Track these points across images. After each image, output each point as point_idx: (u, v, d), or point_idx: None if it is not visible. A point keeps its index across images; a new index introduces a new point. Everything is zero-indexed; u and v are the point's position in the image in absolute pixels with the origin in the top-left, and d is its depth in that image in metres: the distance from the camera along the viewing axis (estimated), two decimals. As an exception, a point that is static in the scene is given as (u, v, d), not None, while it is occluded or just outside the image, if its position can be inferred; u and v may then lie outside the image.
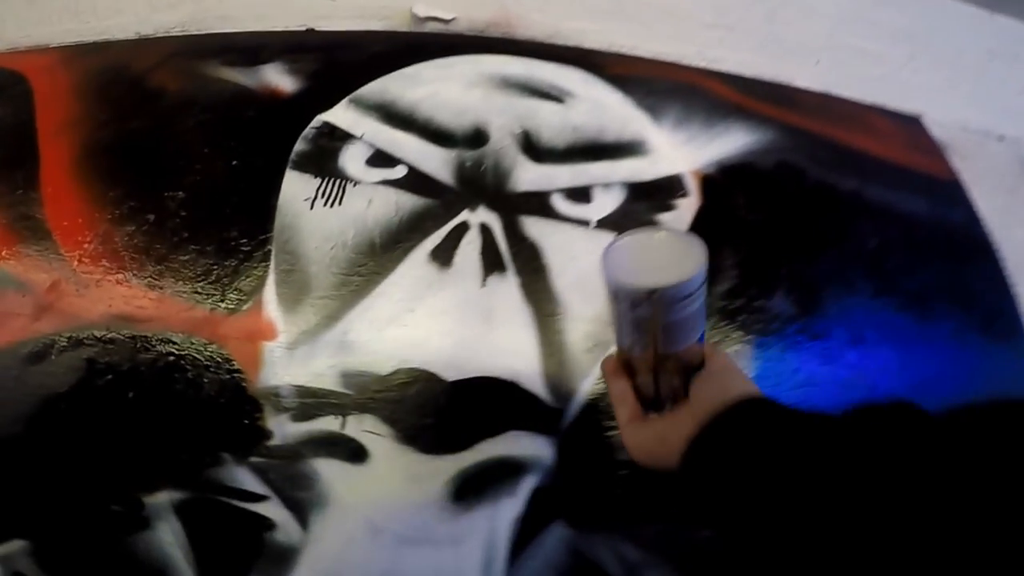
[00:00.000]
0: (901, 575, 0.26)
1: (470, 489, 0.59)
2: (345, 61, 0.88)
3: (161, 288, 0.66)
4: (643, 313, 0.38)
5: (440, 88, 0.85)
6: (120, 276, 0.68)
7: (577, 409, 0.64)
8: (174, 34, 0.94)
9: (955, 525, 0.25)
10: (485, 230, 0.71)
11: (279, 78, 0.85)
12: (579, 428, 0.64)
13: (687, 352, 0.42)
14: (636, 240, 0.41)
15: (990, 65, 1.18)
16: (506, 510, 0.59)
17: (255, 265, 0.67)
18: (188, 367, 0.62)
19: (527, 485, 0.60)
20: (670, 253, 0.39)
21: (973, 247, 0.92)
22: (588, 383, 0.65)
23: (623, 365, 0.46)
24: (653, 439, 0.41)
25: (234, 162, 0.75)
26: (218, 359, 0.62)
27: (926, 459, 0.28)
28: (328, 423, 0.60)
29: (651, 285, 0.36)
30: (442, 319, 0.65)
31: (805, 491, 0.30)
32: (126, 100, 0.83)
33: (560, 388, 0.64)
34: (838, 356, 0.75)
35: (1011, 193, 1.01)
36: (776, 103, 0.99)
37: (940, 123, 1.08)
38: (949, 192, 0.99)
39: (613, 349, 0.49)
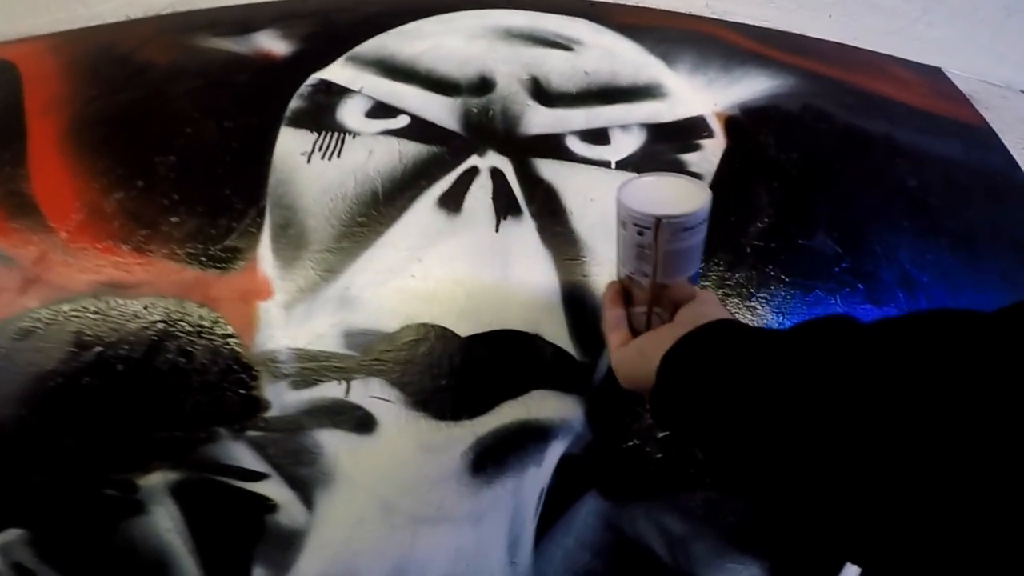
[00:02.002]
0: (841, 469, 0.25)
1: (491, 459, 0.49)
2: (340, 23, 0.79)
3: (151, 252, 0.57)
4: (647, 240, 0.40)
5: (441, 41, 0.75)
6: (108, 243, 0.59)
7: (606, 363, 0.53)
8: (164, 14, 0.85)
9: (892, 425, 0.24)
10: (497, 174, 0.60)
11: (272, 43, 0.76)
12: (612, 385, 0.52)
13: (681, 287, 0.43)
14: (650, 179, 0.43)
15: (1008, 20, 1.07)
16: (532, 481, 0.49)
17: (249, 222, 0.57)
18: (179, 334, 0.52)
19: (555, 452, 0.50)
20: (678, 192, 0.42)
21: (1014, 189, 0.80)
22: (618, 333, 0.54)
23: (621, 295, 0.46)
24: (635, 356, 0.40)
25: (226, 124, 0.65)
26: (210, 323, 0.53)
27: (855, 359, 0.27)
28: (330, 389, 0.50)
29: (659, 213, 0.39)
30: (453, 268, 0.54)
31: (759, 395, 0.30)
32: (115, 76, 0.75)
33: (588, 340, 0.53)
34: (888, 297, 0.64)
35: None
36: (793, 52, 0.88)
37: (960, 76, 0.97)
38: (983, 137, 0.87)
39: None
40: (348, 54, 0.73)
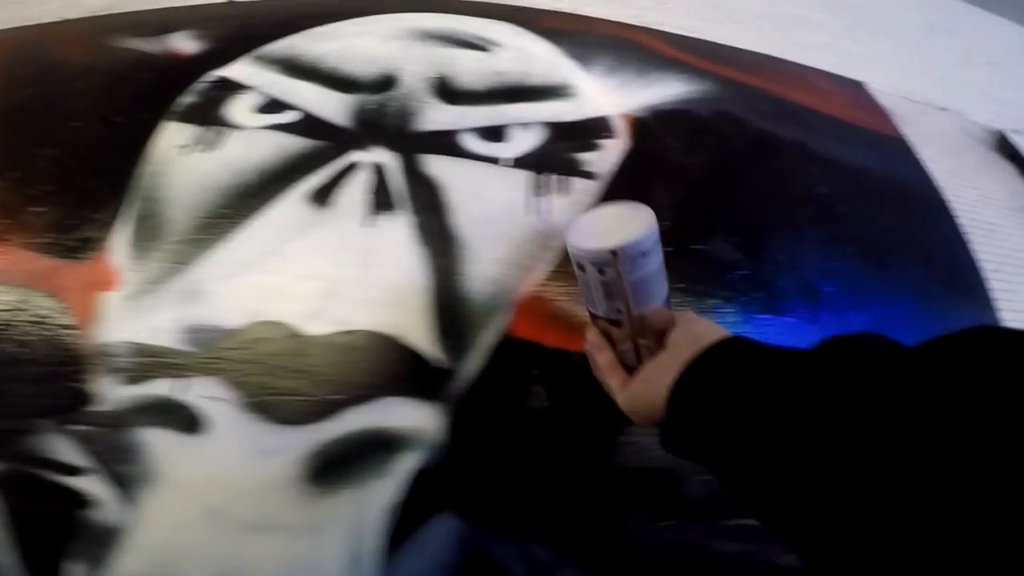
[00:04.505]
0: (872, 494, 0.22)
1: (331, 468, 0.42)
2: (259, 24, 0.73)
3: (8, 242, 0.50)
4: (610, 275, 0.38)
5: (353, 41, 0.69)
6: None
7: (474, 370, 0.46)
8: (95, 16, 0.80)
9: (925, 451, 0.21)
10: (378, 169, 0.53)
11: (185, 43, 0.70)
12: (477, 394, 0.46)
13: (659, 314, 0.39)
14: (590, 215, 0.42)
15: (930, 38, 1.01)
16: (377, 495, 0.42)
17: (107, 214, 0.50)
18: (18, 323, 0.46)
19: (406, 465, 0.42)
20: (621, 219, 0.39)
21: (926, 201, 0.74)
22: (489, 336, 0.47)
23: (602, 337, 0.41)
24: (641, 390, 0.37)
25: (117, 119, 0.59)
26: (52, 313, 0.46)
27: (887, 382, 0.24)
28: (162, 386, 0.43)
29: (612, 245, 0.37)
30: (311, 263, 0.48)
31: (789, 421, 0.26)
32: (24, 73, 0.70)
33: (452, 342, 0.46)
34: (788, 306, 0.56)
35: (957, 156, 0.84)
36: (714, 60, 0.82)
37: (882, 92, 0.91)
38: (897, 148, 0.81)
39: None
40: (255, 53, 0.67)
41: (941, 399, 0.22)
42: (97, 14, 0.82)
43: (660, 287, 0.40)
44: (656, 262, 0.39)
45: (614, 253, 0.36)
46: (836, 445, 0.23)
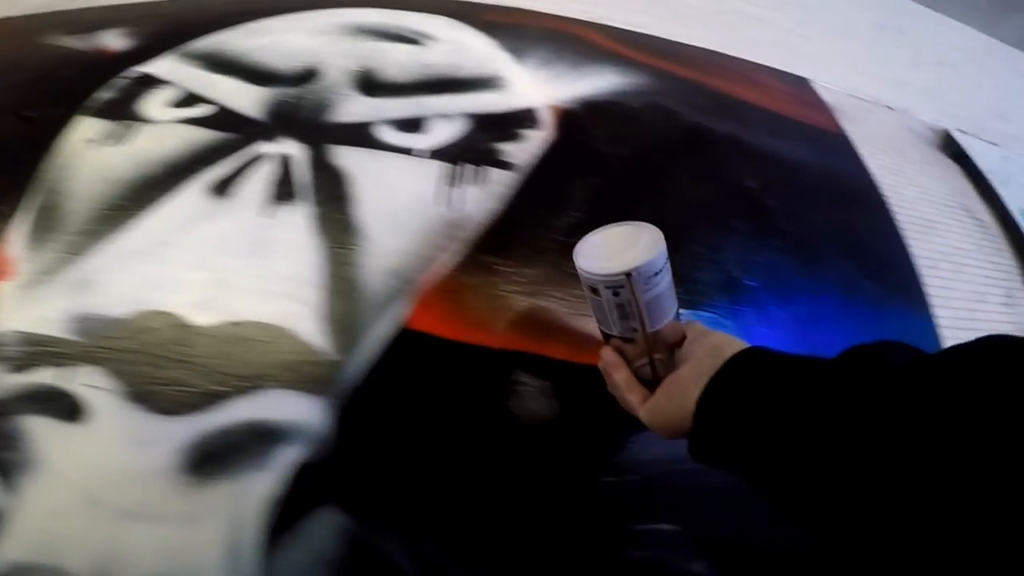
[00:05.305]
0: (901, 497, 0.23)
1: (210, 458, 0.41)
2: (192, 22, 0.73)
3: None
4: (625, 296, 0.38)
5: (282, 37, 0.69)
6: None
7: (365, 362, 0.45)
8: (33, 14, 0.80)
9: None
10: (284, 161, 0.53)
11: (114, 40, 0.70)
12: (368, 387, 0.45)
13: (671, 327, 0.40)
14: (596, 239, 0.41)
15: (879, 37, 1.01)
16: (257, 487, 0.41)
17: (10, 205, 0.50)
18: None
19: (288, 458, 0.42)
20: (627, 239, 0.39)
21: (863, 197, 0.74)
22: (382, 328, 0.46)
23: (619, 355, 0.42)
24: (664, 403, 0.37)
25: (32, 114, 0.59)
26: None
27: (914, 389, 0.25)
28: (45, 375, 0.42)
29: (626, 268, 0.37)
30: (201, 253, 0.47)
31: (816, 427, 0.27)
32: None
33: (342, 334, 0.46)
34: (705, 300, 0.56)
35: (900, 154, 0.84)
36: (654, 54, 0.81)
37: (828, 89, 0.90)
38: (836, 143, 0.81)
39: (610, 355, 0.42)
40: (182, 49, 0.67)
41: (959, 404, 0.23)
42: (35, 12, 0.83)
43: (671, 302, 0.41)
44: (667, 279, 0.40)
45: (628, 275, 0.37)
46: (862, 447, 0.25)
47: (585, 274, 0.39)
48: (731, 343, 0.36)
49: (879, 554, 0.24)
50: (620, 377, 0.41)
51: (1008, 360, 0.23)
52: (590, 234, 0.42)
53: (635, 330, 0.40)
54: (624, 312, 0.39)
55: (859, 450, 0.25)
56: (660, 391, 0.38)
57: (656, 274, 0.38)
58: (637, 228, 0.40)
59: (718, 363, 0.34)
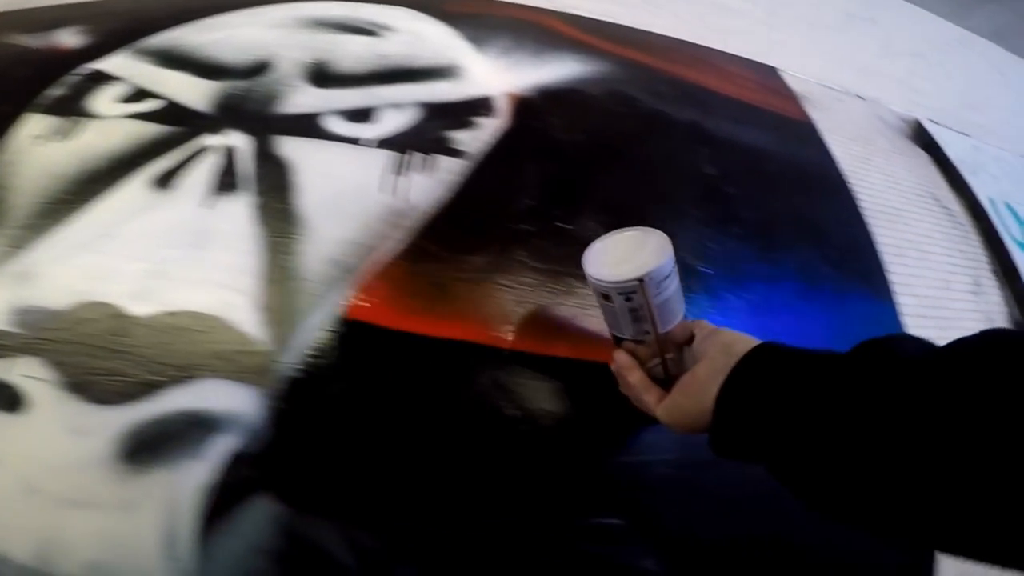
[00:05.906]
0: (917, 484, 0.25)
1: (145, 447, 0.41)
2: (148, 18, 0.74)
3: None
4: (638, 301, 0.39)
5: (236, 31, 0.69)
6: None
7: (301, 352, 0.45)
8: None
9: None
10: (228, 153, 0.54)
11: (69, 38, 0.70)
12: (306, 377, 0.45)
13: (680, 328, 0.41)
14: (602, 243, 0.42)
15: (849, 27, 1.00)
16: (192, 475, 0.41)
17: (-47, 202, 0.51)
18: None
19: (223, 447, 0.42)
20: (635, 244, 0.40)
21: (826, 184, 0.73)
22: (320, 317, 0.46)
23: (631, 356, 0.43)
24: (682, 401, 0.38)
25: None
26: None
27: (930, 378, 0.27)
28: (-19, 368, 0.43)
29: (638, 274, 0.38)
30: (141, 244, 0.48)
31: (833, 418, 0.29)
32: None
33: (280, 324, 0.46)
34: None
35: (869, 143, 0.83)
36: (616, 42, 0.81)
37: (797, 77, 0.89)
38: (801, 131, 0.80)
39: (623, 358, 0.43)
40: (136, 45, 0.67)
41: (966, 397, 0.25)
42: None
43: (680, 303, 0.42)
44: (676, 281, 0.40)
45: (641, 281, 0.38)
46: (880, 434, 0.26)
47: (597, 282, 0.40)
48: (742, 339, 0.37)
49: (904, 536, 0.26)
50: (635, 378, 0.42)
51: (1009, 358, 0.25)
52: (596, 241, 0.42)
53: (647, 332, 0.41)
54: (636, 316, 0.40)
55: (878, 437, 0.27)
56: (676, 390, 0.38)
57: (666, 277, 0.39)
58: (643, 233, 0.41)
59: (732, 360, 0.35)
